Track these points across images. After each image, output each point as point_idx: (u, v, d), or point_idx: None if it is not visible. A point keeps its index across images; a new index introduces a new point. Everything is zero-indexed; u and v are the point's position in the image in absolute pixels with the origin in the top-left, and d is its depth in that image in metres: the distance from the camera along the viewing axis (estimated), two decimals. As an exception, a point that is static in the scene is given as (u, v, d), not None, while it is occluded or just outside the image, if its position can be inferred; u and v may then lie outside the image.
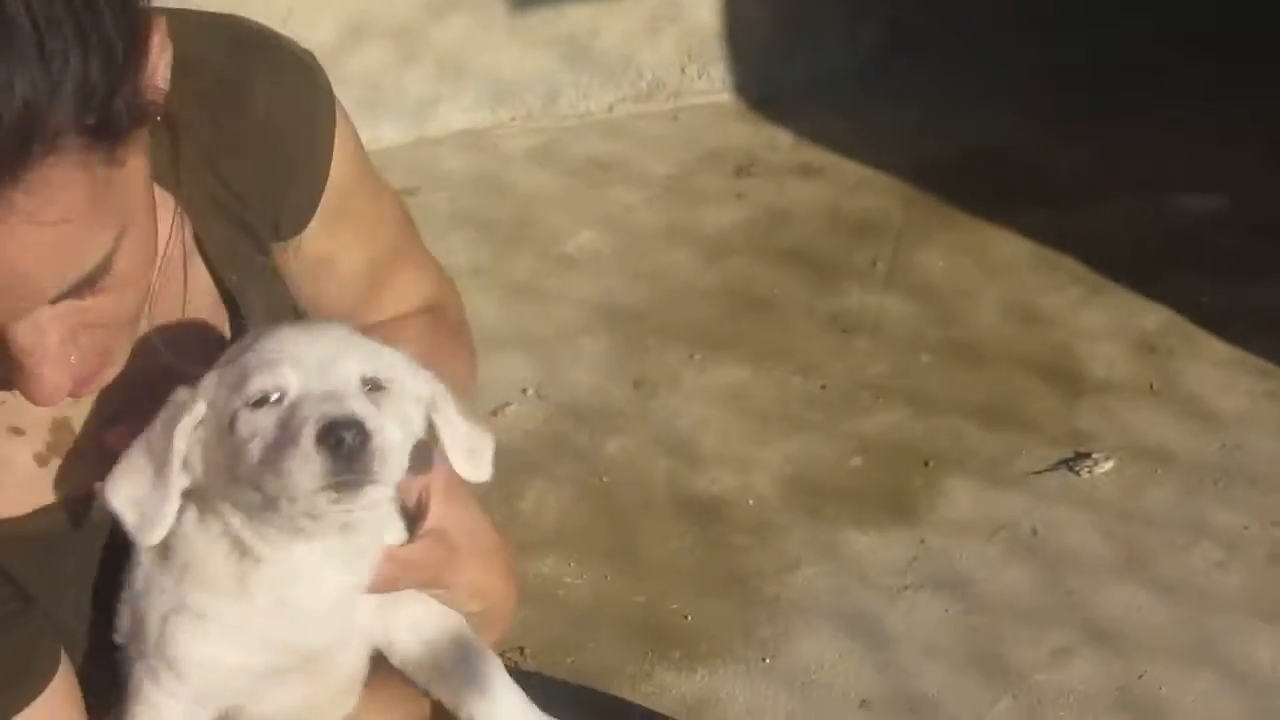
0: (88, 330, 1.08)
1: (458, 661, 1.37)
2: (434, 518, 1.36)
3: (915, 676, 2.62)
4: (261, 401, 1.16)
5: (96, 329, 1.10)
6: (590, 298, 3.60)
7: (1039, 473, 3.07)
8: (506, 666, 1.41)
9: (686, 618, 2.76)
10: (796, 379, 3.33)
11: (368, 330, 1.32)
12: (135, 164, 1.07)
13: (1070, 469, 3.07)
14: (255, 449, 1.14)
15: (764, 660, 2.67)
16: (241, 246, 1.36)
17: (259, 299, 1.36)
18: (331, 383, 1.16)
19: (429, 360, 1.32)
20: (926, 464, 3.10)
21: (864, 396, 3.29)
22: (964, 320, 3.49)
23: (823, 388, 3.31)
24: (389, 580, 1.33)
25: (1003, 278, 3.64)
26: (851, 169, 4.09)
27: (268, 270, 1.39)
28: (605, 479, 3.12)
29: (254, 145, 1.33)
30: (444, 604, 1.39)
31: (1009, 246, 3.73)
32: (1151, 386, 3.31)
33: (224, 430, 1.17)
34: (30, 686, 1.29)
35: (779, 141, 4.29)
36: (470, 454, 1.27)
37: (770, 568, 2.87)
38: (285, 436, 1.13)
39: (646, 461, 3.15)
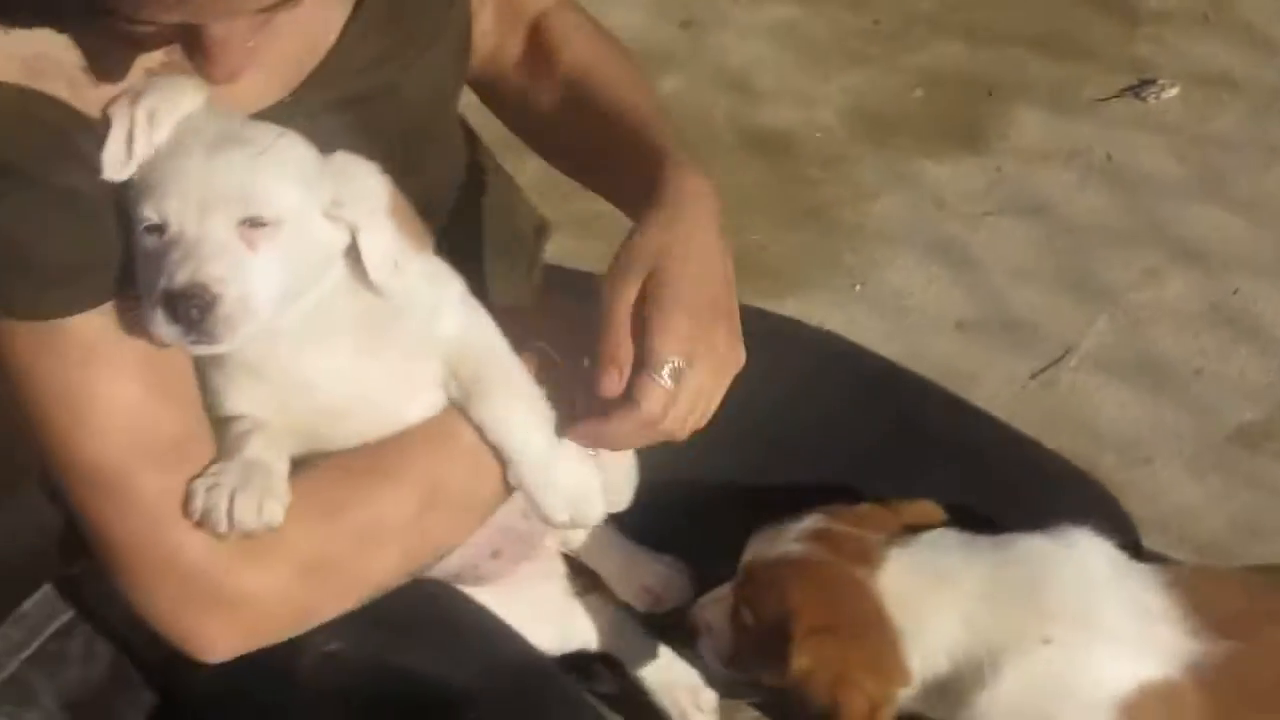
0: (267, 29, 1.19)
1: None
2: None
3: (1007, 298, 2.66)
4: (150, 227, 1.23)
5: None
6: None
7: (1105, 100, 3.07)
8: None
9: (767, 249, 2.77)
10: (847, 15, 3.28)
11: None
12: None
13: (1136, 95, 3.06)
14: (140, 273, 1.23)
15: (854, 287, 2.71)
16: None
17: None
18: (204, 226, 1.21)
19: (620, 76, 1.47)
20: (990, 94, 3.08)
21: (918, 30, 3.25)
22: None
23: (875, 23, 3.26)
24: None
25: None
26: None
27: None
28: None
29: None
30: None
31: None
32: (1206, 17, 3.28)
33: None
34: (98, 283, 1.25)
35: None
36: (385, 265, 1.29)
37: (847, 198, 2.88)
38: (150, 281, 1.21)
39: (704, 99, 3.11)
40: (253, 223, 1.24)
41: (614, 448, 1.37)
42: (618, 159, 1.45)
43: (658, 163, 1.39)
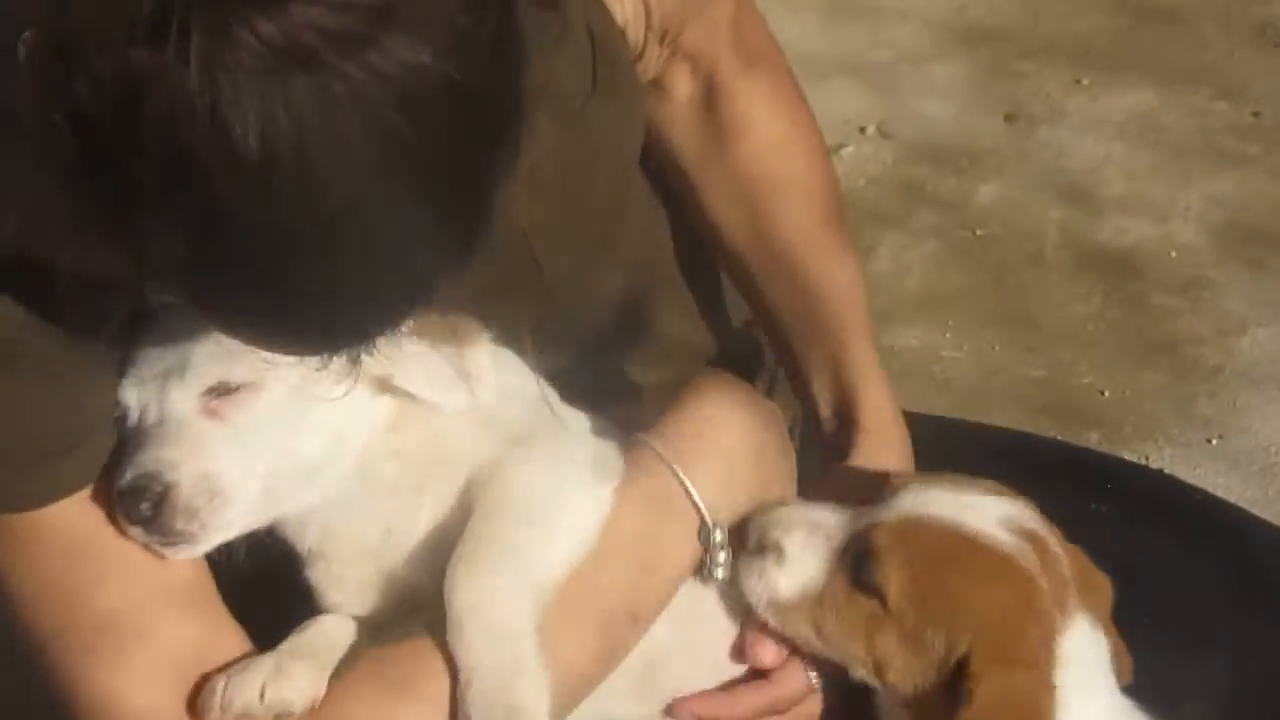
0: None
1: None
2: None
3: None
4: (118, 418, 1.24)
5: None
6: (937, 13, 3.48)
7: None
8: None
9: (1103, 393, 2.70)
10: (1219, 104, 3.22)
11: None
12: None
13: None
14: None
15: (1209, 441, 2.60)
16: None
17: None
18: (163, 405, 1.22)
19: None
20: None
21: None
22: None
23: (1255, 115, 3.19)
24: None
25: None
26: None
27: None
28: (980, 232, 3.09)
29: None
30: None
31: None
32: None
33: None
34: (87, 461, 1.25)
35: None
36: (432, 383, 1.27)
37: (1207, 332, 2.81)
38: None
39: (1031, 209, 3.09)
40: (219, 390, 1.21)
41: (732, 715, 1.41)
42: (794, 327, 1.51)
43: (850, 363, 1.47)
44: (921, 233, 3.07)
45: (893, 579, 1.31)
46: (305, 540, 1.32)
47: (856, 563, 1.33)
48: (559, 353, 1.47)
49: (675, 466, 1.37)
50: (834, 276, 1.54)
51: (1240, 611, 1.56)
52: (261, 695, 1.26)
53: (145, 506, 1.19)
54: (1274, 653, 1.51)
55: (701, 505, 1.37)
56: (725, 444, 1.42)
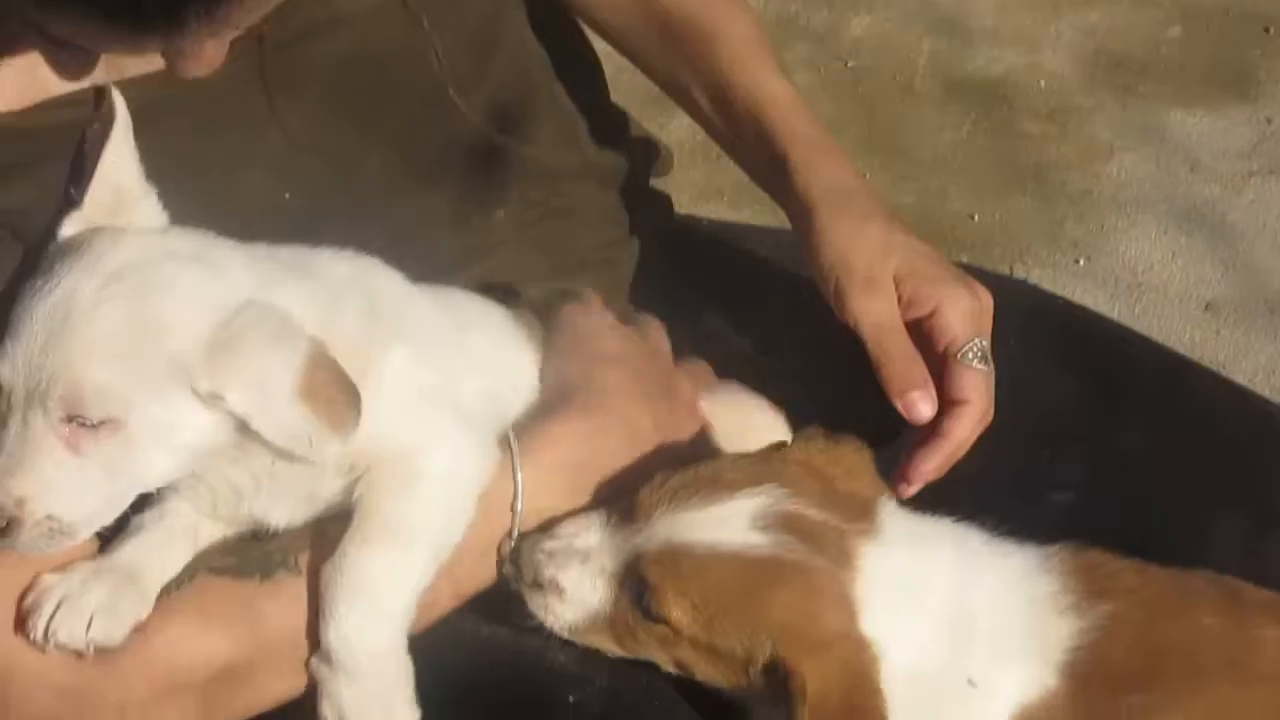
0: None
1: None
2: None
3: (1271, 275, 2.56)
4: None
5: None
6: None
7: None
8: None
9: (973, 217, 2.76)
10: None
11: None
12: None
13: None
14: None
15: (1076, 262, 2.66)
16: None
17: None
18: (26, 418, 1.22)
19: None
20: (1267, 30, 3.04)
21: None
22: None
23: None
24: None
25: None
26: None
27: None
28: (851, 63, 3.12)
29: None
30: None
31: None
32: None
33: None
34: None
35: None
36: (296, 443, 1.27)
37: (1074, 158, 2.84)
38: None
39: (903, 40, 3.12)
40: (80, 421, 1.22)
41: (959, 455, 1.42)
42: (732, 127, 1.53)
43: (792, 143, 1.47)
44: (794, 64, 3.02)
45: (673, 611, 1.34)
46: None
47: (636, 592, 1.35)
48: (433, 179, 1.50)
49: (519, 475, 1.39)
50: (733, 26, 1.54)
51: (1100, 410, 1.61)
52: (88, 626, 1.28)
53: None
54: (1129, 448, 1.58)
55: (517, 520, 1.41)
56: (579, 454, 1.43)
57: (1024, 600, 1.40)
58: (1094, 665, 1.39)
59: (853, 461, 1.39)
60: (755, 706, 1.38)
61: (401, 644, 1.33)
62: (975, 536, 1.42)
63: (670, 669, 1.38)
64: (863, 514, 1.35)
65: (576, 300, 1.54)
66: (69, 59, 1.32)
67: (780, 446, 1.40)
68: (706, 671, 1.37)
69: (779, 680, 1.31)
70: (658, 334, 1.55)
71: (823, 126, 1.52)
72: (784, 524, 1.33)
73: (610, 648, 1.40)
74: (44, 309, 1.25)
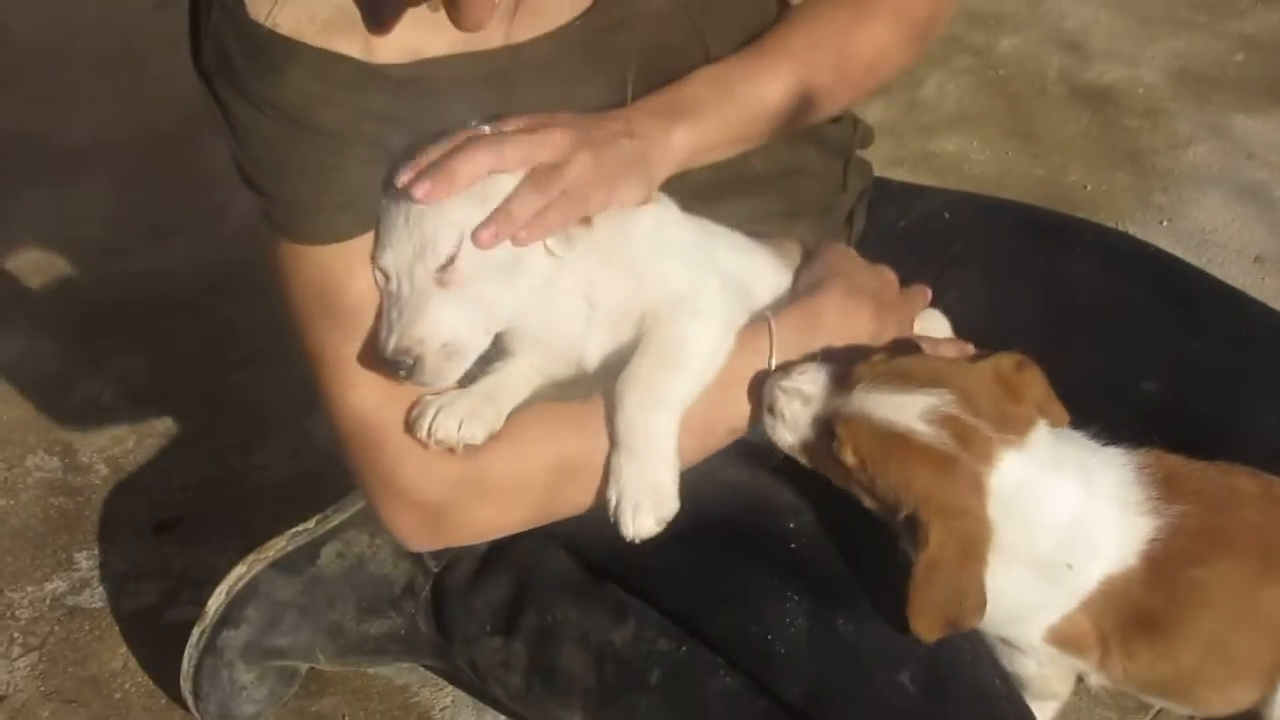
0: None
1: None
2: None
3: None
4: (379, 270, 1.36)
5: None
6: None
7: None
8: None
9: (1086, 188, 3.07)
10: None
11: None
12: None
13: None
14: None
15: (1161, 223, 2.96)
16: None
17: None
18: (411, 280, 1.31)
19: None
20: None
21: (1243, 1, 3.59)
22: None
23: None
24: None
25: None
26: None
27: None
28: (1000, 72, 3.43)
29: None
30: None
31: None
32: None
33: None
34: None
35: None
36: (557, 243, 1.34)
37: (1163, 145, 3.15)
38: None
39: (1039, 56, 3.45)
40: (442, 266, 1.33)
41: None
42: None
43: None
44: (958, 71, 3.40)
45: (849, 460, 1.43)
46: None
47: (829, 436, 1.44)
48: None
49: (774, 335, 1.47)
50: (761, 86, 1.57)
51: (1177, 326, 1.72)
52: (459, 428, 1.38)
53: (403, 372, 1.33)
54: (1198, 354, 1.67)
55: (773, 360, 1.47)
56: (830, 322, 1.51)
57: (1118, 507, 1.48)
58: (1164, 550, 1.47)
59: (1030, 384, 1.46)
60: (900, 534, 1.47)
61: (672, 432, 1.40)
62: (1095, 457, 1.49)
63: (848, 490, 1.49)
64: (1015, 428, 1.42)
65: (834, 239, 1.68)
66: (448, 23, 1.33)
67: (980, 358, 1.47)
68: (868, 501, 1.47)
69: (913, 529, 1.41)
70: (888, 271, 1.66)
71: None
72: (944, 421, 1.40)
73: (811, 465, 1.51)
74: (401, 207, 1.36)
